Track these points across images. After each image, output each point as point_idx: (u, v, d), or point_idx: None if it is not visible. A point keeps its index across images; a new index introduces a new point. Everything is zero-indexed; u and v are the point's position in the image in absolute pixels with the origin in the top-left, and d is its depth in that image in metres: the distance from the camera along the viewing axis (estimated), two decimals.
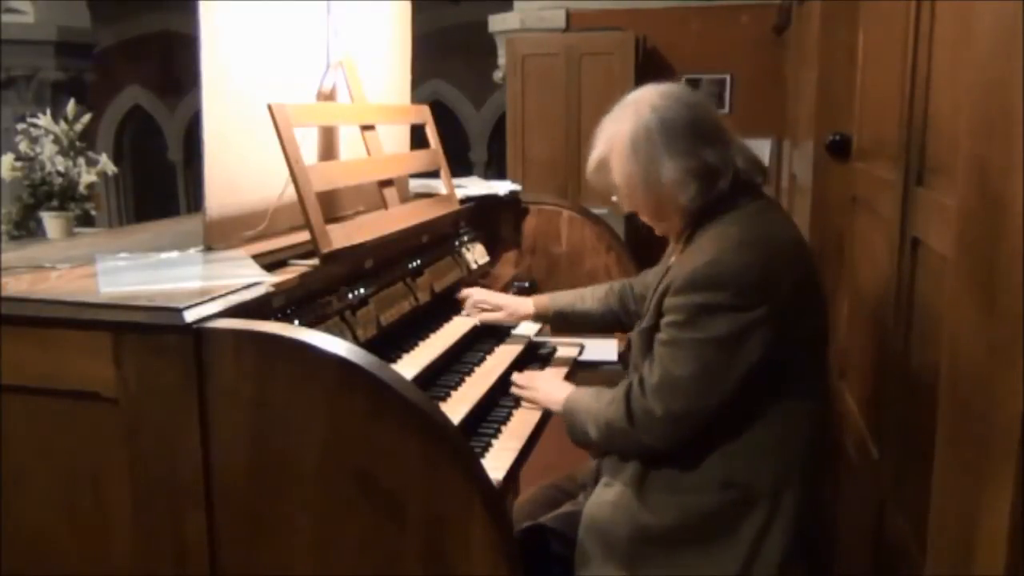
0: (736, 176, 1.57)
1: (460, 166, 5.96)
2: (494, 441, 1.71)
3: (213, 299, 1.30)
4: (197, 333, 1.23)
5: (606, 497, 1.63)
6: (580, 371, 2.26)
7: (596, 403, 1.66)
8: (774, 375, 1.51)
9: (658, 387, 1.53)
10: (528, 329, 2.30)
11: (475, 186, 2.72)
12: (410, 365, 1.78)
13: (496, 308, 2.16)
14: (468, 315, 2.17)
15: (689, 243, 1.60)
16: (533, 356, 2.22)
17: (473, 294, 2.20)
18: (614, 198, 1.70)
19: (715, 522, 1.54)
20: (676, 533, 1.54)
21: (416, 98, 2.53)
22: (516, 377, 1.94)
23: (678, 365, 1.51)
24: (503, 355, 2.09)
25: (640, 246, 2.49)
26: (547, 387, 1.88)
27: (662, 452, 1.57)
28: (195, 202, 8.84)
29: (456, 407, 1.73)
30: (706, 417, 1.52)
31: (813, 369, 1.61)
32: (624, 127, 1.59)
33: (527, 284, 2.61)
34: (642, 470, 1.59)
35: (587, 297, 2.09)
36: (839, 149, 2.48)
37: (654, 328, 1.58)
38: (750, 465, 1.53)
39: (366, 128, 2.01)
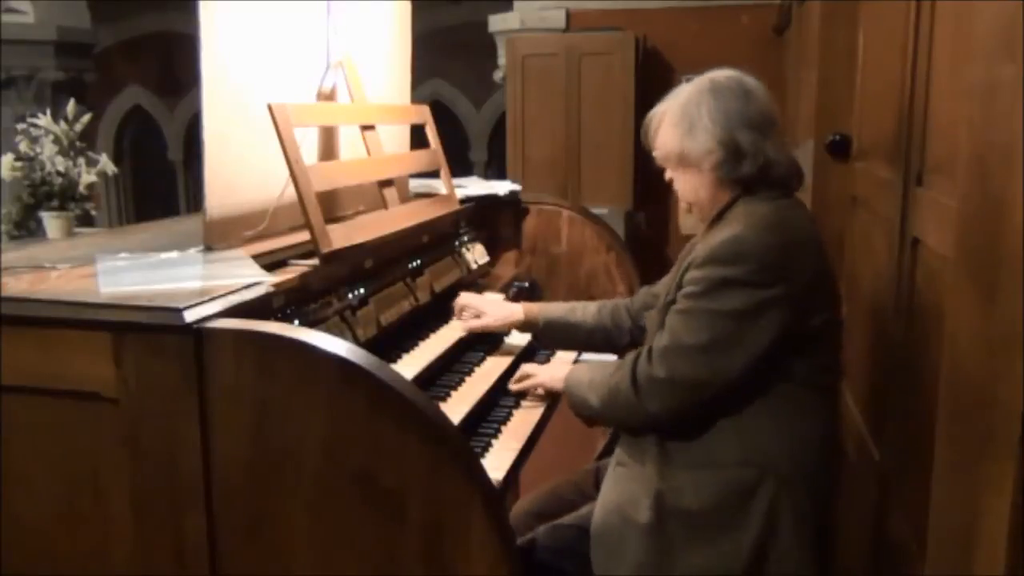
0: (767, 166, 1.60)
1: (460, 166, 5.96)
2: (494, 441, 1.71)
3: (213, 299, 1.30)
4: (197, 333, 1.23)
5: (622, 477, 1.64)
6: None
7: (598, 373, 1.69)
8: (790, 356, 1.54)
9: (665, 352, 1.55)
10: None
11: (475, 186, 2.72)
12: (410, 365, 1.78)
13: (481, 313, 2.09)
14: (458, 320, 2.13)
15: (715, 224, 1.63)
16: (532, 357, 2.21)
17: (460, 298, 2.15)
18: (654, 152, 1.74)
19: (730, 501, 1.55)
20: (695, 512, 1.55)
21: (416, 98, 2.53)
22: (512, 381, 1.96)
23: (689, 333, 1.53)
24: (503, 355, 2.09)
25: (640, 246, 2.49)
26: (547, 369, 1.95)
27: (665, 422, 1.58)
28: (195, 202, 8.84)
29: (456, 407, 1.73)
30: (711, 389, 1.54)
31: (828, 358, 1.63)
32: (682, 97, 1.67)
33: (527, 284, 2.60)
34: (662, 447, 1.60)
35: (578, 310, 2.06)
36: (839, 149, 2.48)
37: (674, 303, 1.60)
38: (765, 445, 1.55)
39: (366, 128, 2.01)
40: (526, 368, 1.98)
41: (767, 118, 1.63)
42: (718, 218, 1.64)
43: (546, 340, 2.15)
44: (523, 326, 2.09)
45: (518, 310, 2.09)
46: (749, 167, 1.59)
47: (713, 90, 1.64)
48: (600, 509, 1.63)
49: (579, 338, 2.08)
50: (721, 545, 1.54)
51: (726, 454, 1.56)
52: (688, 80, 1.70)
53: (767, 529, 1.54)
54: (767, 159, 1.60)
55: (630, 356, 1.64)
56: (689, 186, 1.68)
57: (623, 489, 1.62)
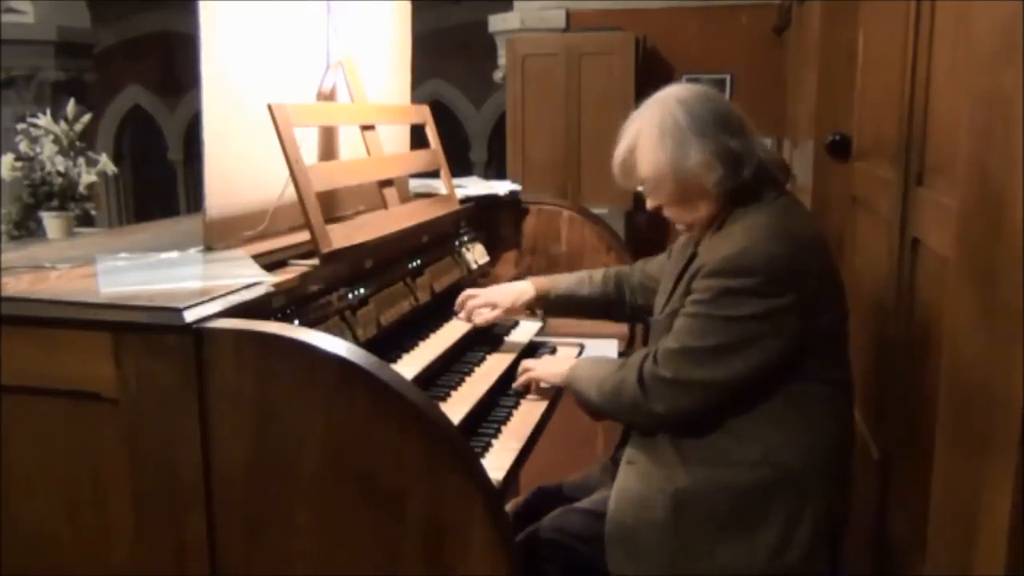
0: (761, 167, 1.59)
1: (460, 166, 5.96)
2: (494, 441, 1.71)
3: (213, 299, 1.30)
4: (197, 333, 1.23)
5: (634, 475, 1.64)
6: None
7: (602, 369, 1.70)
8: (803, 355, 1.53)
9: (671, 354, 1.56)
10: (528, 330, 2.30)
11: (475, 186, 2.72)
12: (410, 365, 1.78)
13: (493, 304, 2.09)
14: (467, 320, 2.11)
15: (718, 231, 1.62)
16: (534, 355, 2.21)
17: (467, 300, 2.12)
18: (640, 188, 1.70)
19: (750, 501, 1.54)
20: (714, 511, 1.55)
21: (416, 98, 2.53)
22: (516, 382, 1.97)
23: (695, 337, 1.54)
24: (503, 355, 2.09)
25: (640, 246, 2.49)
26: (545, 363, 1.95)
27: (670, 422, 1.58)
28: (195, 202, 8.84)
29: (456, 407, 1.73)
30: (715, 392, 1.54)
31: (839, 352, 1.63)
32: (652, 118, 1.62)
33: None
34: (676, 446, 1.60)
35: (586, 282, 2.10)
36: (839, 149, 2.49)
37: (679, 312, 1.60)
38: (781, 444, 1.55)
39: (366, 128, 2.01)
40: (525, 363, 1.98)
41: (739, 118, 1.61)
42: (720, 225, 1.62)
43: (556, 312, 2.20)
44: (534, 301, 2.11)
45: (528, 288, 2.10)
46: (748, 171, 1.57)
47: (681, 102, 1.59)
48: (614, 506, 1.63)
49: (586, 308, 2.13)
50: (742, 543, 1.54)
51: (743, 454, 1.55)
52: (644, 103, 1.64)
53: (787, 527, 1.53)
54: (759, 159, 1.59)
55: (638, 355, 1.64)
56: (689, 207, 1.64)
57: (635, 488, 1.62)
